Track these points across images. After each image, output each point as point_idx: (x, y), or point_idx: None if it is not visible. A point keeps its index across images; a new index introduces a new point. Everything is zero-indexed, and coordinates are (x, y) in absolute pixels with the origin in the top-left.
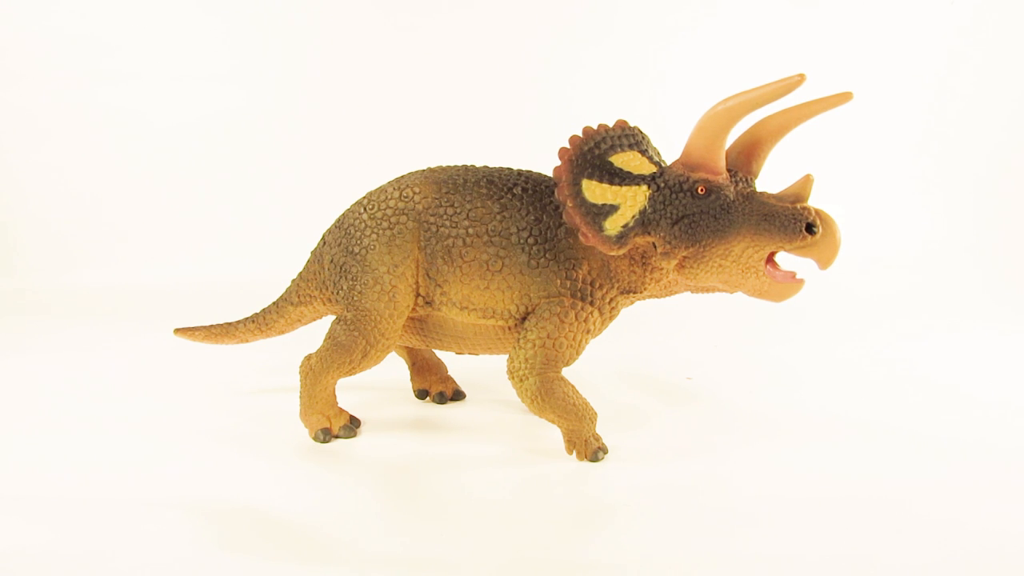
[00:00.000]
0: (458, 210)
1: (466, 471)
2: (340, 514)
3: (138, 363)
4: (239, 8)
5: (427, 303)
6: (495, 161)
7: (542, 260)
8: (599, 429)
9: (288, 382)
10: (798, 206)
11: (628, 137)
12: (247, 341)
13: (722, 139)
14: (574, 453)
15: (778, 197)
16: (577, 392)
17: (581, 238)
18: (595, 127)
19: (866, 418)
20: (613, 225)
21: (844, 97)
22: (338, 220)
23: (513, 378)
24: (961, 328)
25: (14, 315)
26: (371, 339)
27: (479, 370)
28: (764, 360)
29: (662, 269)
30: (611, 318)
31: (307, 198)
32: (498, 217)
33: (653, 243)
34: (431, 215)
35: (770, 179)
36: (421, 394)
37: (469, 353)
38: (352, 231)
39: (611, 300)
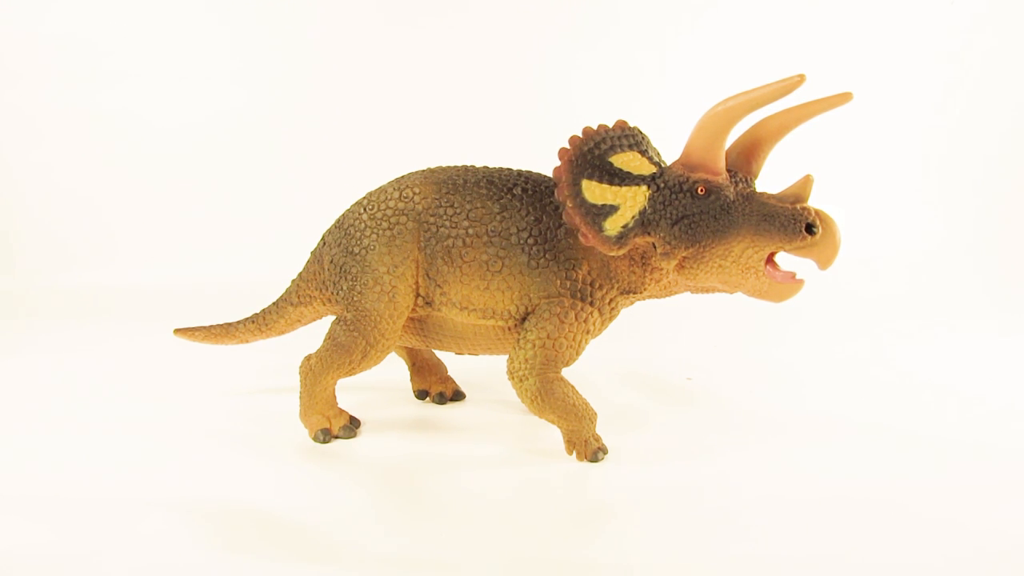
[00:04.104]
0: (458, 210)
1: (466, 471)
2: (340, 514)
3: (138, 363)
4: (239, 8)
5: (427, 303)
6: (495, 161)
7: (542, 260)
8: (599, 429)
9: (288, 382)
10: (798, 206)
11: (628, 137)
12: (247, 341)
13: (722, 139)
14: (574, 453)
15: (778, 197)
16: (577, 392)
17: (581, 238)
18: (595, 127)
19: (866, 418)
20: (613, 225)
21: (844, 97)
22: (338, 220)
23: (513, 378)
24: (961, 328)
25: (14, 315)
26: (371, 339)
27: (479, 370)
28: (764, 360)
29: (662, 269)
30: (611, 318)
31: (307, 198)
32: (498, 217)
33: (653, 243)
34: (431, 215)
35: (770, 179)
36: (421, 394)
37: (469, 353)
38: (352, 231)
39: (611, 300)
